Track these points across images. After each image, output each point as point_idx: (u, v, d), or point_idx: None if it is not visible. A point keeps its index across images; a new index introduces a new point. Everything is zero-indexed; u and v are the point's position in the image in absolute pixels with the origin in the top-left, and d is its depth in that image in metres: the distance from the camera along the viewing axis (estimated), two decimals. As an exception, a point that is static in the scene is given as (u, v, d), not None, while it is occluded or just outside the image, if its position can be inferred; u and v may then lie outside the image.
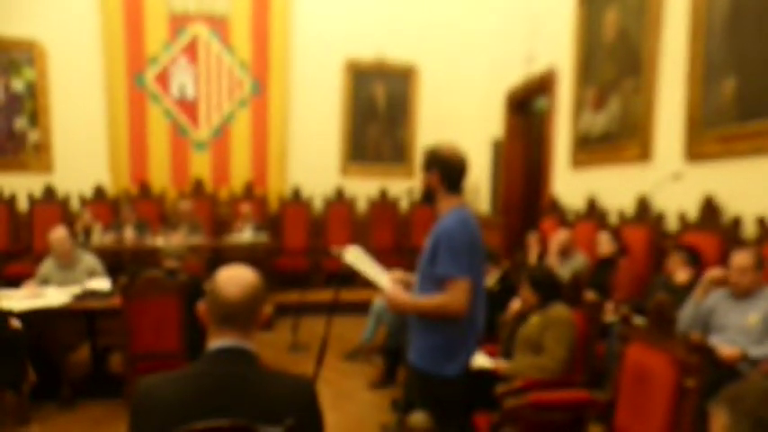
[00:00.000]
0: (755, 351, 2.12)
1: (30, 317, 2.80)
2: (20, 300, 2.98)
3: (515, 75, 5.17)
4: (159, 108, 5.64)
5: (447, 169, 1.78)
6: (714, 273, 2.39)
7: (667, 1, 3.24)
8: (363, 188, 6.09)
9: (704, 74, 2.93)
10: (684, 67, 3.05)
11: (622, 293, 3.15)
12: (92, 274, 3.45)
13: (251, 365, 1.09)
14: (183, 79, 5.65)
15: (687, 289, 2.62)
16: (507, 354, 2.55)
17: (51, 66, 5.35)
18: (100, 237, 4.67)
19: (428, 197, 1.84)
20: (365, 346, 3.92)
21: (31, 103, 5.36)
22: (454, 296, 1.68)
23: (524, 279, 2.52)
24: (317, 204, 6.02)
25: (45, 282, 3.37)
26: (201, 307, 1.14)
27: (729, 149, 2.78)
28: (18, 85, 5.32)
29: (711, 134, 2.89)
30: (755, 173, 2.65)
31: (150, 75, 5.57)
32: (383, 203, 6.05)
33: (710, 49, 2.89)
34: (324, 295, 4.78)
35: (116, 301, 2.87)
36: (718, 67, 2.84)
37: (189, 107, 5.70)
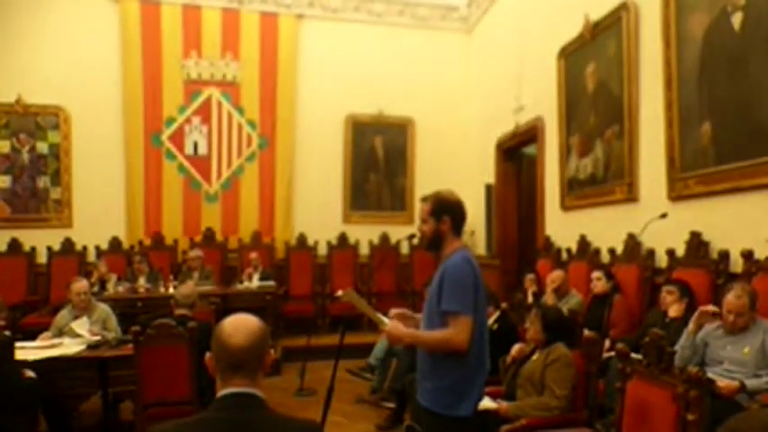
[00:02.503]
0: (752, 383, 2.16)
1: (44, 367, 2.83)
2: (34, 350, 3.03)
3: (505, 124, 5.46)
4: (174, 164, 5.98)
5: (456, 215, 1.85)
6: (706, 307, 2.43)
7: (642, 53, 3.48)
8: (365, 235, 6.29)
9: (681, 120, 3.10)
10: (663, 114, 3.22)
11: (618, 330, 3.20)
12: (104, 322, 3.53)
13: (260, 410, 1.11)
14: (196, 137, 6.02)
15: (681, 323, 2.68)
16: (510, 395, 2.59)
17: (75, 129, 5.70)
18: (114, 287, 4.85)
19: (436, 244, 1.87)
20: (375, 396, 3.94)
21: (54, 164, 5.67)
22: (457, 331, 1.70)
23: (536, 317, 2.56)
24: (322, 251, 6.20)
25: (60, 332, 3.43)
26: (208, 357, 1.16)
27: (710, 189, 2.90)
28: (43, 147, 5.65)
29: (693, 176, 3.01)
30: (737, 210, 2.76)
31: (166, 134, 5.95)
32: (385, 249, 6.21)
33: (685, 96, 3.07)
34: (330, 339, 4.86)
35: (128, 350, 2.92)
36: (694, 114, 3.00)
37: (201, 163, 6.03)
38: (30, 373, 2.74)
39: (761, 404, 2.05)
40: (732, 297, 2.30)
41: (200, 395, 2.78)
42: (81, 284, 3.51)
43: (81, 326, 3.38)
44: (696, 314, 2.46)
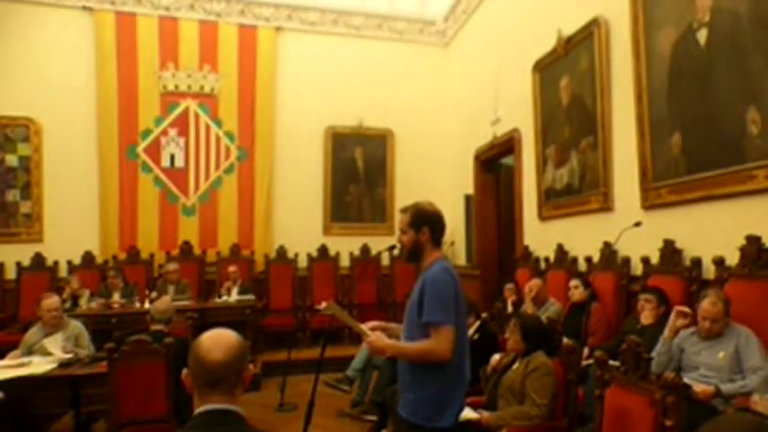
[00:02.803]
0: (727, 387, 2.20)
1: (12, 386, 2.75)
2: (2, 369, 2.93)
3: (483, 136, 5.55)
4: (150, 177, 5.86)
5: (435, 226, 1.87)
6: (681, 307, 2.49)
7: (613, 67, 3.58)
8: (346, 246, 6.27)
9: (652, 131, 3.18)
10: (635, 126, 3.29)
11: (596, 338, 3.25)
12: (76, 339, 3.43)
13: (238, 427, 1.09)
14: (173, 150, 5.93)
15: (657, 329, 2.72)
16: (491, 405, 2.59)
17: (46, 141, 5.56)
18: (87, 303, 4.70)
19: (416, 255, 1.88)
20: (357, 409, 3.90)
21: (24, 177, 5.51)
22: (439, 342, 1.70)
23: (515, 326, 2.59)
24: (302, 263, 6.14)
25: (30, 351, 3.31)
26: (185, 373, 1.14)
27: (682, 198, 2.97)
28: (12, 160, 5.48)
29: (665, 185, 3.09)
30: (708, 218, 2.84)
31: (142, 146, 5.84)
32: (365, 260, 6.20)
33: (655, 109, 3.16)
34: (311, 353, 4.80)
35: (101, 367, 2.85)
36: (665, 125, 3.08)
37: (178, 175, 5.93)
38: None
39: (736, 408, 2.09)
40: (707, 304, 2.35)
41: (176, 413, 2.72)
42: (52, 300, 3.41)
43: (53, 343, 3.27)
44: (672, 315, 2.51)
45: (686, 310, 2.50)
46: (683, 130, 2.98)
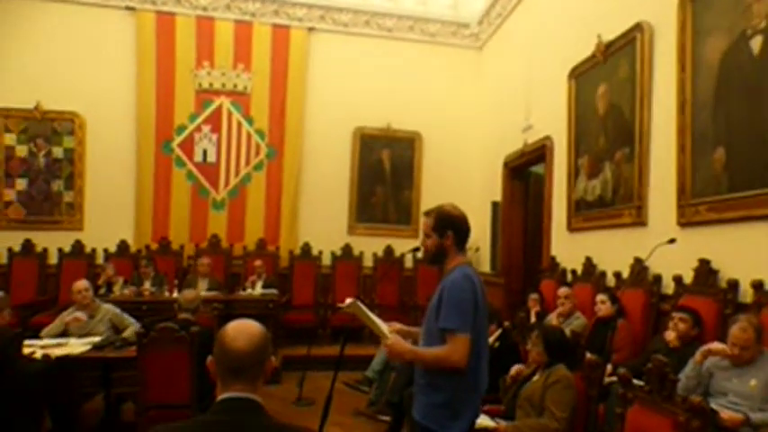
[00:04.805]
0: (757, 417, 2.12)
1: (55, 364, 2.88)
2: (45, 348, 3.08)
3: (514, 142, 5.46)
4: (183, 171, 6.06)
5: (459, 230, 1.84)
6: (716, 347, 2.34)
7: (655, 76, 3.45)
8: (370, 247, 6.30)
9: (694, 145, 3.04)
10: (675, 139, 3.14)
11: (621, 355, 3.15)
12: (112, 319, 3.59)
13: (258, 416, 1.10)
14: (205, 145, 6.11)
15: (683, 351, 2.65)
16: (510, 415, 2.56)
17: (89, 135, 5.83)
18: (121, 289, 4.90)
19: (439, 259, 1.86)
20: (372, 409, 3.93)
21: (68, 168, 5.79)
22: (455, 349, 1.68)
23: (537, 337, 2.55)
24: (326, 261, 6.21)
25: (65, 332, 3.48)
26: (210, 360, 1.16)
27: (722, 217, 2.84)
28: (58, 152, 5.78)
29: (703, 202, 2.96)
30: (748, 239, 2.70)
31: (176, 142, 6.04)
32: (388, 262, 6.21)
33: (699, 121, 3.01)
34: (330, 350, 4.85)
35: (131, 352, 2.96)
36: (708, 139, 2.93)
37: (210, 170, 6.10)
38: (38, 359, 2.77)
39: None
40: (737, 330, 2.26)
41: (199, 399, 2.79)
42: (81, 283, 3.60)
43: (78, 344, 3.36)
44: (703, 350, 2.39)
45: (720, 350, 2.34)
46: (728, 145, 2.84)
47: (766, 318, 2.44)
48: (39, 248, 5.67)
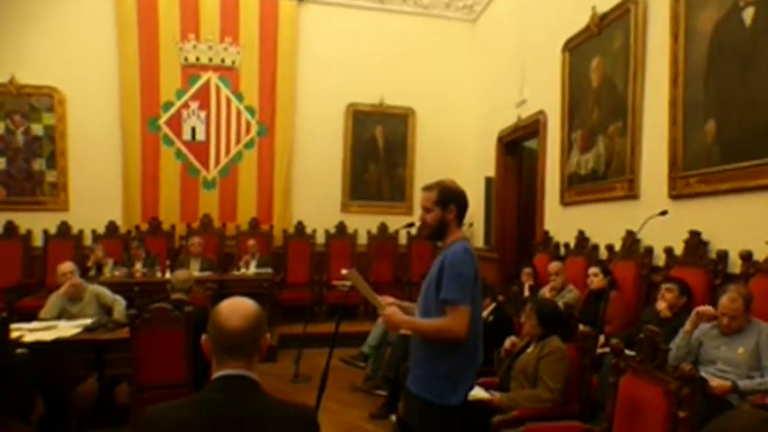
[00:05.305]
0: (745, 383, 2.17)
1: (40, 348, 2.84)
2: (31, 331, 3.04)
3: (507, 117, 5.42)
4: (171, 150, 5.92)
5: (461, 204, 1.85)
6: (704, 309, 2.43)
7: (649, 48, 3.43)
8: (364, 224, 6.28)
9: (685, 117, 3.06)
10: (667, 111, 3.16)
11: (613, 326, 3.21)
12: (99, 298, 3.55)
13: (254, 393, 1.11)
14: (194, 123, 5.95)
15: (674, 321, 2.69)
16: (504, 387, 2.60)
17: (70, 111, 5.63)
18: (111, 271, 4.84)
19: (440, 233, 1.85)
20: (369, 384, 3.97)
21: (50, 146, 5.60)
22: (456, 321, 1.69)
23: (531, 310, 2.58)
24: (320, 239, 6.19)
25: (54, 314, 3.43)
26: (204, 339, 1.16)
27: (713, 189, 2.87)
28: (38, 129, 5.58)
29: (695, 174, 2.99)
30: (738, 210, 2.74)
31: (163, 119, 5.87)
32: (383, 238, 6.21)
33: (691, 93, 3.03)
34: (326, 327, 4.88)
35: (124, 333, 2.93)
36: (699, 111, 2.96)
37: (199, 149, 5.97)
38: (22, 350, 2.74)
39: (752, 405, 2.06)
40: (726, 300, 2.31)
41: (197, 379, 2.79)
42: (65, 265, 3.55)
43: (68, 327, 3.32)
44: (692, 315, 2.46)
45: (709, 312, 2.43)
46: (719, 116, 2.85)
47: (755, 288, 2.49)
48: (22, 230, 5.53)
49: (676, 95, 3.12)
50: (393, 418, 3.35)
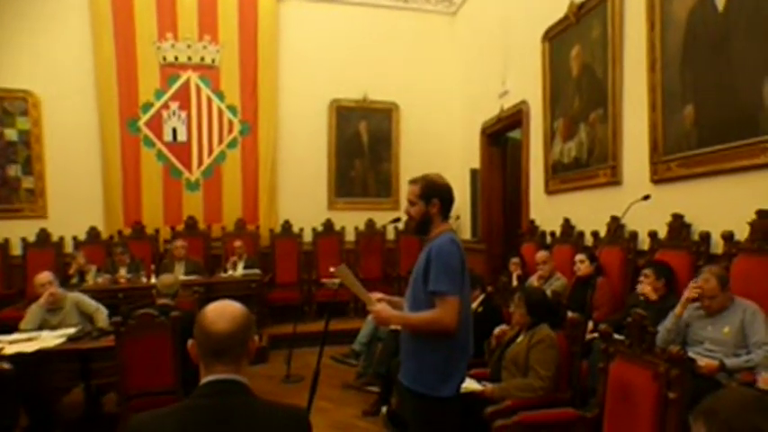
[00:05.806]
0: (732, 362, 2.22)
1: (23, 360, 2.76)
2: (13, 343, 2.96)
3: (490, 109, 5.44)
4: (152, 152, 5.80)
5: (445, 198, 1.84)
6: (688, 293, 2.45)
7: (626, 36, 3.46)
8: (351, 221, 6.25)
9: (664, 103, 3.10)
10: (646, 97, 3.20)
11: (601, 312, 3.25)
12: (79, 306, 3.47)
13: (243, 396, 1.09)
14: (174, 124, 5.84)
15: (660, 304, 2.73)
16: (495, 378, 2.61)
17: (45, 114, 5.47)
18: (94, 278, 4.74)
19: (424, 227, 1.85)
20: (361, 381, 3.96)
21: (25, 151, 5.45)
22: (446, 312, 1.69)
23: (520, 300, 2.59)
24: (307, 238, 6.15)
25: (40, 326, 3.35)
26: (191, 344, 1.14)
27: (692, 172, 2.92)
28: (12, 134, 5.41)
29: (675, 158, 3.04)
30: (719, 192, 2.79)
31: (143, 120, 5.75)
32: (370, 234, 6.19)
33: (668, 79, 3.07)
34: (316, 326, 4.86)
35: (109, 341, 2.87)
36: (677, 97, 3.00)
37: (181, 150, 5.86)
38: (5, 365, 2.67)
39: (739, 382, 2.10)
40: (700, 281, 2.37)
41: (184, 384, 2.75)
42: (43, 275, 3.45)
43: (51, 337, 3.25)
44: (683, 299, 2.47)
45: (693, 292, 2.43)
46: (697, 101, 2.89)
47: (738, 267, 2.53)
48: (-1, 239, 5.40)
49: (655, 82, 3.16)
50: (384, 409, 3.35)
